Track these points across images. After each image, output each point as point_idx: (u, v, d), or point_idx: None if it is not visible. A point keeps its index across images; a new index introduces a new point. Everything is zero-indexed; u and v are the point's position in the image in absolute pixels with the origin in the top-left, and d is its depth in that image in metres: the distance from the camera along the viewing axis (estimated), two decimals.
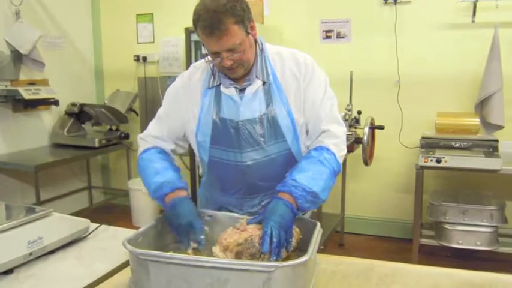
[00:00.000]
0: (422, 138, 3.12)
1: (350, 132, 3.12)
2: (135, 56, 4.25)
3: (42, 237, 1.41)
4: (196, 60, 3.51)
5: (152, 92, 4.27)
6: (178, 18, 3.87)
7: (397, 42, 3.41)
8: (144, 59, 4.21)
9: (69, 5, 4.19)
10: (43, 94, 3.56)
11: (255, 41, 1.40)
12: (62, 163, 3.72)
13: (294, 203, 1.24)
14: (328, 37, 3.66)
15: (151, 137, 1.52)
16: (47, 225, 1.49)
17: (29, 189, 3.53)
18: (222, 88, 1.43)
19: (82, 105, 3.93)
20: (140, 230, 1.27)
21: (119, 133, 4.03)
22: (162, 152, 1.50)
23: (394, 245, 3.56)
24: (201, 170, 1.63)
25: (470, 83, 3.27)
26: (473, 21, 3.17)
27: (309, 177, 1.27)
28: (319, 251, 1.22)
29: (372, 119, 3.16)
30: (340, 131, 1.41)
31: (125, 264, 1.35)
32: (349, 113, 3.17)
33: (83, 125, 4.07)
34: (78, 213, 3.32)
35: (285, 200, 1.23)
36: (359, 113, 3.26)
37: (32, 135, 3.82)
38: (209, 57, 1.35)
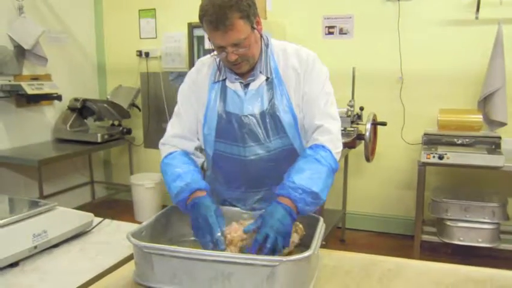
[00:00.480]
0: (425, 134, 3.12)
1: (352, 128, 3.12)
2: (137, 51, 4.25)
3: (46, 230, 1.43)
4: (198, 55, 3.51)
5: (154, 87, 4.28)
6: (181, 14, 3.86)
7: (399, 39, 3.41)
8: (147, 54, 4.21)
9: (72, 0, 4.19)
10: (46, 89, 3.57)
11: (261, 36, 1.41)
12: (64, 158, 3.73)
13: (294, 207, 1.22)
14: (330, 33, 3.65)
15: (172, 138, 1.49)
16: (51, 218, 1.50)
17: (32, 184, 3.54)
18: (227, 82, 1.44)
19: (85, 101, 3.95)
20: (144, 223, 1.29)
21: (121, 128, 4.04)
22: (183, 154, 1.46)
23: (395, 241, 3.57)
24: (205, 164, 1.63)
25: (473, 79, 3.26)
26: (476, 18, 3.15)
27: (307, 177, 1.25)
28: (321, 246, 1.22)
29: (374, 115, 3.16)
30: (335, 126, 1.38)
31: (129, 257, 1.36)
32: (352, 109, 3.16)
33: (85, 120, 4.08)
34: (80, 208, 3.23)
35: (284, 204, 1.21)
36: (361, 109, 3.26)
37: (35, 130, 3.83)
38: (215, 52, 1.36)
